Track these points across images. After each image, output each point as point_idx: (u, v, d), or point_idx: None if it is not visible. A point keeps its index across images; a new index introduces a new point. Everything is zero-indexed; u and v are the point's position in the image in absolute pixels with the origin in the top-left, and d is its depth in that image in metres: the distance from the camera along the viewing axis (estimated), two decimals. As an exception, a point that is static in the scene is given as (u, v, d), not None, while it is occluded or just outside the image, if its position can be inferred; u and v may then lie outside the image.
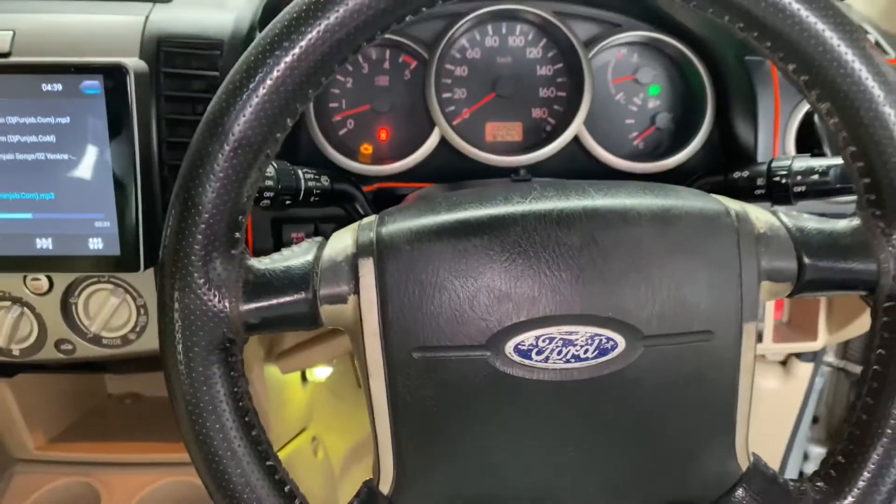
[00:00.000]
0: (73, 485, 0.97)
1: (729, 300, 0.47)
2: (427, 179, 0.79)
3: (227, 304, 0.46)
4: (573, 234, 0.46)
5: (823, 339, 0.88)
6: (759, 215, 0.49)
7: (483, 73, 0.83)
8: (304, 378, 1.12)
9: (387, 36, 0.78)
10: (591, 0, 0.81)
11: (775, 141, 0.73)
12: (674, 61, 0.82)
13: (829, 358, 1.18)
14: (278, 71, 0.43)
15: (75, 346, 0.69)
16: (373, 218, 0.50)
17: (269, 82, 0.43)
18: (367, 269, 0.47)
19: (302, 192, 0.64)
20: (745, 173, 0.69)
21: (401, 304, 0.46)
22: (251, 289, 0.47)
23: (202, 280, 0.45)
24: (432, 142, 0.79)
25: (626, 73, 0.83)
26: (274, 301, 0.47)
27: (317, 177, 0.67)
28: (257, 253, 0.73)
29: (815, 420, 1.28)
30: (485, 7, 0.79)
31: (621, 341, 0.46)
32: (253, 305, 0.46)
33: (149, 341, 0.70)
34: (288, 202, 0.63)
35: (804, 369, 1.09)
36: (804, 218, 0.49)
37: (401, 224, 0.48)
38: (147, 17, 0.66)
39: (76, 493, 0.97)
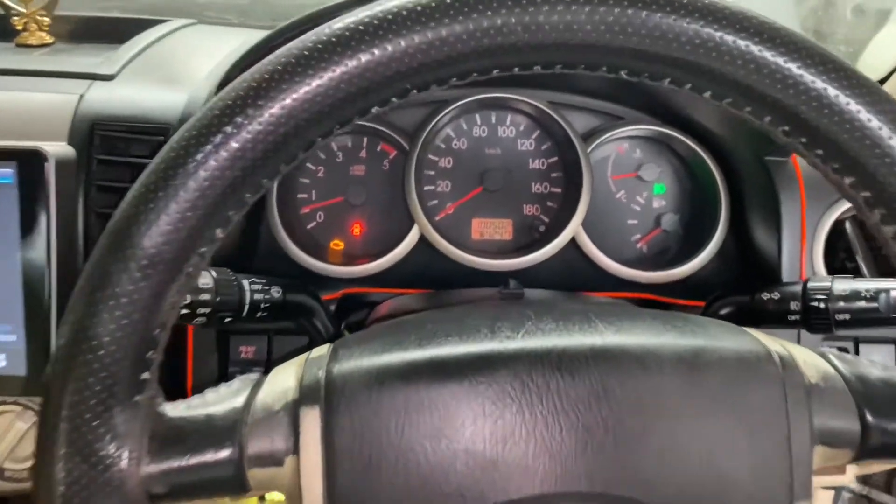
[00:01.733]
0: None
1: (776, 473, 0.37)
2: (403, 284, 0.70)
3: (124, 468, 0.35)
4: (578, 384, 0.36)
5: (852, 472, 0.77)
6: (808, 359, 0.39)
7: (470, 166, 0.74)
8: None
9: (365, 123, 0.70)
10: (592, 91, 0.73)
11: (802, 251, 0.64)
12: (682, 158, 0.74)
13: (852, 484, 1.07)
14: (204, 171, 0.33)
15: (-28, 479, 0.58)
16: (324, 350, 0.40)
17: (191, 185, 0.33)
18: (311, 421, 0.36)
19: (246, 308, 0.54)
20: (776, 295, 0.60)
21: (353, 472, 0.36)
22: (159, 445, 0.36)
23: (91, 437, 0.34)
24: (410, 240, 0.70)
25: (629, 170, 0.75)
26: (188, 462, 0.36)
27: (266, 287, 0.56)
28: (198, 371, 0.62)
29: (832, 548, 1.16)
30: (474, 95, 0.72)
31: None
32: (160, 468, 0.36)
33: (62, 475, 0.58)
34: (228, 319, 0.53)
35: (825, 496, 0.98)
36: (864, 364, 0.40)
37: (359, 361, 0.38)
38: (82, 97, 0.57)
39: None
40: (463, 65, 0.34)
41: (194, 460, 0.36)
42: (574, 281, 0.70)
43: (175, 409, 0.37)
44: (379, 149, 0.75)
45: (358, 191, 0.73)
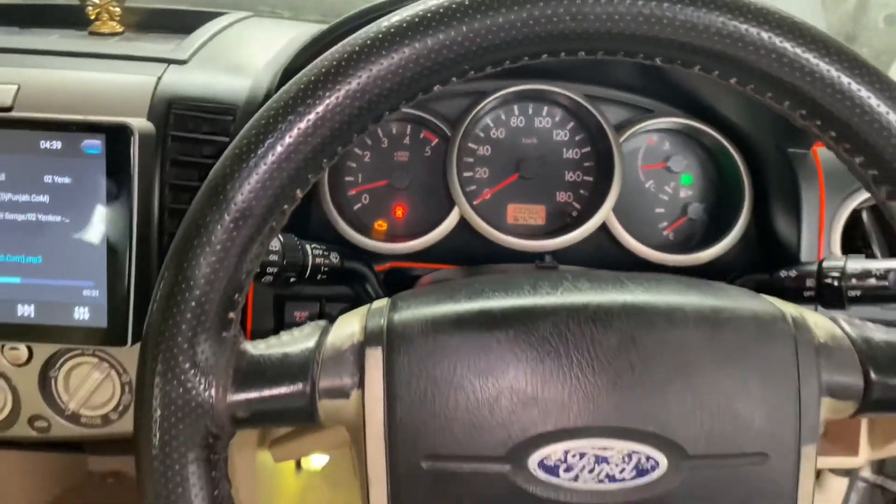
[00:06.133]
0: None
1: (786, 418, 0.41)
2: (443, 261, 0.74)
3: (213, 394, 0.40)
4: (610, 334, 0.41)
5: (865, 454, 0.80)
6: (819, 322, 0.43)
7: (507, 154, 0.79)
8: (298, 466, 1.04)
9: (409, 111, 0.75)
10: (624, 84, 0.77)
11: (820, 238, 0.68)
12: (708, 150, 0.78)
13: (865, 473, 1.10)
14: (290, 137, 0.39)
15: (51, 424, 0.63)
16: (384, 302, 0.45)
17: (279, 149, 0.39)
18: (374, 360, 0.41)
19: (308, 270, 0.59)
20: (793, 273, 0.64)
21: (410, 404, 0.41)
22: (242, 377, 0.41)
23: (187, 364, 0.39)
24: (451, 221, 0.75)
25: (657, 161, 0.79)
26: (266, 393, 0.41)
27: (326, 253, 0.62)
28: (256, 332, 0.67)
29: (847, 540, 1.18)
30: (512, 86, 0.76)
31: (663, 461, 0.40)
32: (243, 396, 0.41)
33: (131, 422, 0.63)
34: (293, 279, 0.58)
35: (838, 485, 1.01)
36: (869, 328, 0.44)
37: (416, 311, 0.43)
38: (159, 78, 0.63)
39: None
40: (516, 49, 0.39)
41: (272, 392, 0.41)
42: (603, 263, 0.74)
43: (255, 348, 0.42)
44: (422, 136, 0.80)
45: (401, 175, 0.78)
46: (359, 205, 0.79)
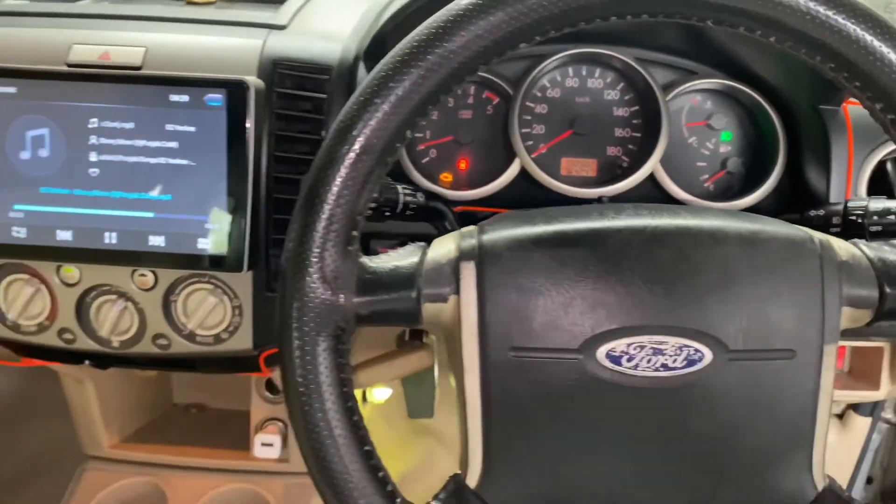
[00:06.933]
0: (141, 485, 1.01)
1: (811, 322, 0.49)
2: (505, 207, 0.83)
3: (341, 296, 0.50)
4: (666, 250, 0.49)
5: (886, 388, 0.89)
6: (842, 244, 0.52)
7: (562, 112, 0.87)
8: (364, 398, 1.15)
9: None
10: (671, 48, 0.85)
11: (847, 187, 0.76)
12: (747, 109, 0.86)
13: (888, 414, 1.18)
14: (404, 88, 0.48)
15: (171, 342, 0.74)
16: (473, 227, 0.54)
17: (394, 98, 0.48)
18: (468, 271, 0.50)
19: (400, 206, 0.68)
20: (821, 212, 0.72)
21: (498, 306, 0.50)
22: (363, 284, 0.51)
23: (322, 271, 0.49)
24: (512, 171, 0.84)
25: (700, 119, 0.87)
26: (383, 296, 0.51)
27: (414, 192, 0.71)
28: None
29: (868, 481, 1.27)
30: (569, 50, 0.84)
31: (708, 353, 0.49)
32: (364, 299, 0.50)
33: (239, 341, 0.74)
34: (387, 213, 0.67)
35: (862, 423, 1.09)
36: (885, 250, 0.52)
37: (501, 233, 0.52)
38: (265, 42, 0.72)
39: (143, 492, 1.01)
40: (590, 13, 0.47)
41: (388, 295, 0.51)
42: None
43: (372, 262, 0.52)
44: (484, 96, 0.88)
45: (466, 131, 0.87)
46: (427, 158, 0.88)
